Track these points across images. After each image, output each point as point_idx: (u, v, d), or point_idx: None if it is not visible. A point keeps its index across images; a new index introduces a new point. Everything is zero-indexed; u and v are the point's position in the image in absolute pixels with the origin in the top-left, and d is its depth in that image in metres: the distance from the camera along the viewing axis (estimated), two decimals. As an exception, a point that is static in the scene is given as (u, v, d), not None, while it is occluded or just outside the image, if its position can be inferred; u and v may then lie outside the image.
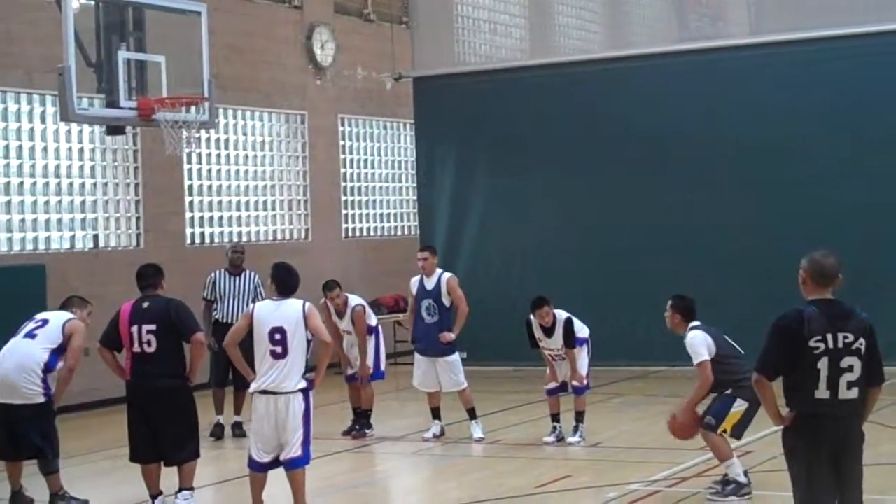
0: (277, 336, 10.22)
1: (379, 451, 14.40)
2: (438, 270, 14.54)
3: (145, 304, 10.91)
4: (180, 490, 10.95)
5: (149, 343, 10.77)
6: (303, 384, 10.26)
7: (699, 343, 10.85)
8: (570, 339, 13.65)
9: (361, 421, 14.89)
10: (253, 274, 15.30)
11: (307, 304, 10.38)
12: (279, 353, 10.22)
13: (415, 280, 14.60)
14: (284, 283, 10.51)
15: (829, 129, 18.28)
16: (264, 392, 10.29)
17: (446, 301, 14.38)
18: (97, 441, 15.15)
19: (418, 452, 14.09)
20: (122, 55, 13.96)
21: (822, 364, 7.06)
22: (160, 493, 11.01)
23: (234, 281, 15.22)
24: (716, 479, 11.13)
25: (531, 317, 13.77)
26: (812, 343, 7.06)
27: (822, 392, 7.08)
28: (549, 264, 19.94)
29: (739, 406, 10.84)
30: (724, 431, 10.88)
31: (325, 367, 10.44)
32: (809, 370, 7.08)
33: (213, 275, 15.39)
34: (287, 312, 10.28)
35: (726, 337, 11.07)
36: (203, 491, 11.70)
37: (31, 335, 11.31)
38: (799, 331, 7.08)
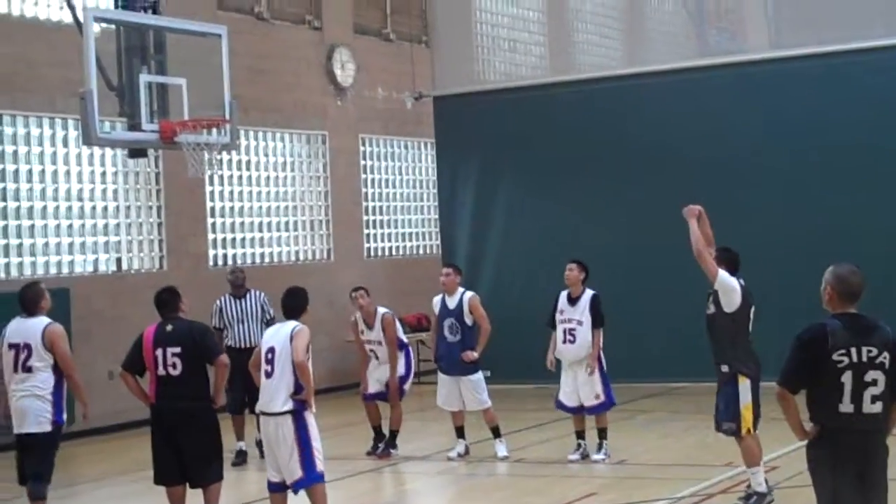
0: (269, 355, 10.35)
1: (404, 470, 14.39)
2: (461, 289, 14.54)
3: (168, 328, 10.92)
4: (207, 512, 10.96)
5: (174, 366, 10.76)
6: (289, 405, 10.21)
7: (734, 281, 10.96)
8: (599, 317, 13.67)
9: (387, 441, 14.88)
10: (258, 293, 15.13)
11: (297, 326, 10.36)
12: (269, 373, 10.34)
13: (437, 299, 14.61)
14: (285, 305, 10.64)
15: (850, 141, 18.19)
16: (262, 412, 10.44)
17: (468, 320, 14.37)
18: (121, 464, 15.17)
19: (443, 472, 14.08)
20: (144, 78, 14.01)
21: (846, 378, 7.04)
22: (185, 515, 11.02)
23: (240, 304, 15.02)
24: (740, 495, 11.09)
25: (562, 292, 13.84)
26: (836, 357, 7.04)
27: (847, 406, 7.05)
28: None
29: (745, 396, 10.84)
30: (749, 431, 10.85)
31: (310, 388, 10.23)
32: (833, 384, 7.05)
33: (218, 302, 15.16)
34: (282, 332, 10.38)
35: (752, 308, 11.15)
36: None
37: (27, 368, 11.15)
38: (822, 344, 7.06)
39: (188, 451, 10.82)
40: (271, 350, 10.31)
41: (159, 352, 10.79)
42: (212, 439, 10.96)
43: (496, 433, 14.39)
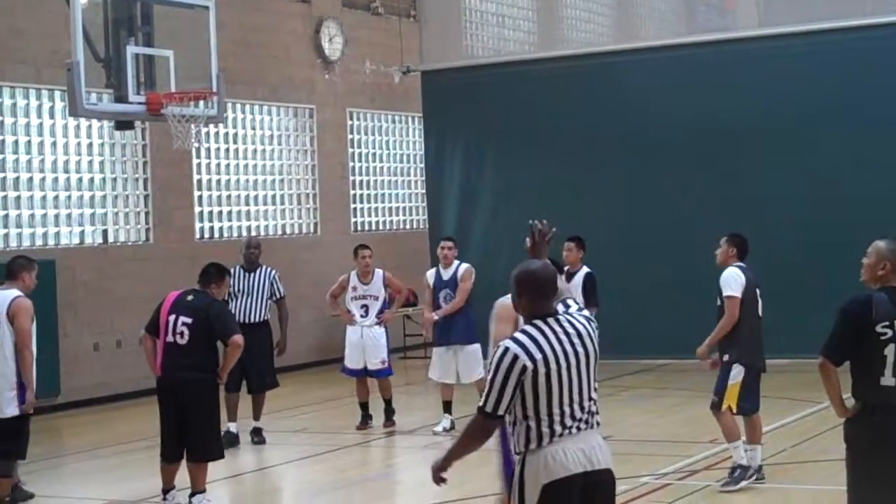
0: None
1: (390, 444, 14.39)
2: (456, 262, 14.64)
3: (189, 297, 10.88)
4: (193, 494, 10.86)
5: (181, 335, 10.69)
6: None
7: (733, 278, 10.93)
8: (592, 295, 13.69)
9: (386, 411, 14.92)
10: (269, 270, 14.70)
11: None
12: None
13: (431, 272, 14.68)
14: None
15: (838, 120, 18.22)
16: None
17: (464, 289, 14.50)
18: (107, 436, 15.12)
19: (429, 446, 14.06)
20: (131, 50, 13.92)
21: (889, 350, 6.95)
22: (173, 486, 10.96)
23: (249, 277, 14.55)
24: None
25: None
26: (879, 329, 6.95)
27: (888, 379, 6.96)
28: (558, 257, 19.90)
29: (736, 375, 10.84)
30: (730, 409, 10.86)
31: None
32: (875, 356, 6.97)
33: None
34: None
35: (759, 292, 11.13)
36: (212, 486, 11.67)
37: None
38: (866, 316, 6.98)
39: (189, 425, 10.71)
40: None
41: (172, 317, 10.75)
42: (210, 415, 10.85)
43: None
